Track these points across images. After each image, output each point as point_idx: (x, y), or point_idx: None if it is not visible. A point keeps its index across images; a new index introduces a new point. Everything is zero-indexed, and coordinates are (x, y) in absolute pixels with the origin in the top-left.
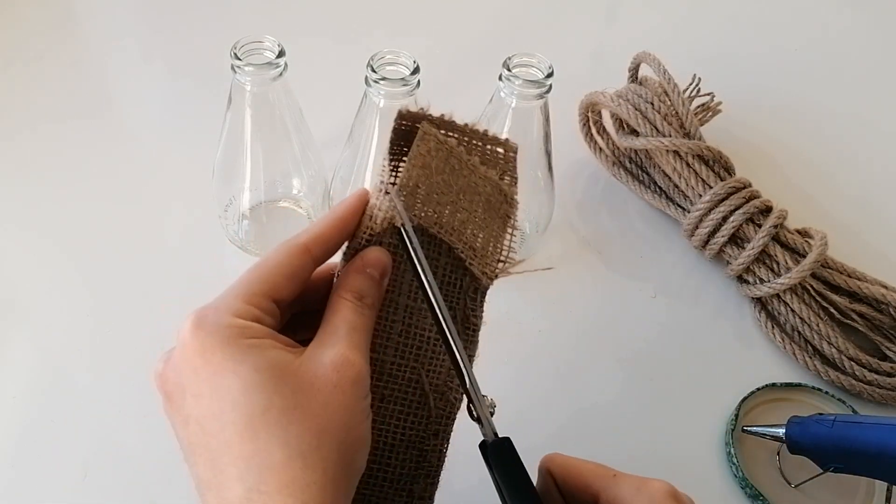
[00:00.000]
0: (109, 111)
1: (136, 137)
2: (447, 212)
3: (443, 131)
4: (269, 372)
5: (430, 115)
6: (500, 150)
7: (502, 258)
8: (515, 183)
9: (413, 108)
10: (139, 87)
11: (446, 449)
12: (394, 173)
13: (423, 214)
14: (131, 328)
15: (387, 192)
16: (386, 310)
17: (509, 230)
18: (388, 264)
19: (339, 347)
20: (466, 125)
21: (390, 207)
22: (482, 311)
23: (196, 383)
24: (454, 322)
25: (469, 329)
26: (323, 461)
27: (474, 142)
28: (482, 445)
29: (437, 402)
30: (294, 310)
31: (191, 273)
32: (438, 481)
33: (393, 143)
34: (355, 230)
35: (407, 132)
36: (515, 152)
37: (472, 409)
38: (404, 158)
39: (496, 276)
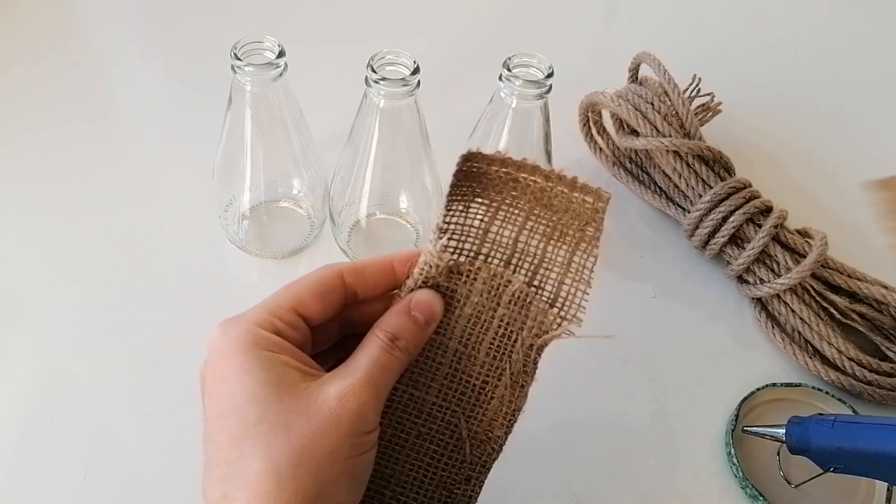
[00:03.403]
0: (109, 111)
1: (135, 137)
2: (517, 255)
3: (524, 174)
4: (272, 387)
5: (508, 157)
6: (588, 199)
7: (567, 315)
8: (599, 237)
9: (486, 151)
10: (139, 87)
11: (477, 496)
12: (463, 213)
13: (491, 252)
14: (131, 328)
15: (448, 237)
16: (434, 351)
17: (582, 286)
18: (438, 311)
19: (350, 380)
20: (553, 171)
21: (446, 251)
22: (535, 369)
23: (213, 384)
24: (505, 375)
25: (518, 385)
26: (296, 482)
27: (559, 188)
28: None
29: (474, 449)
30: (346, 331)
31: (191, 273)
32: None
33: (457, 184)
34: (410, 270)
35: (479, 174)
36: (607, 203)
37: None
38: (477, 199)
39: (558, 335)
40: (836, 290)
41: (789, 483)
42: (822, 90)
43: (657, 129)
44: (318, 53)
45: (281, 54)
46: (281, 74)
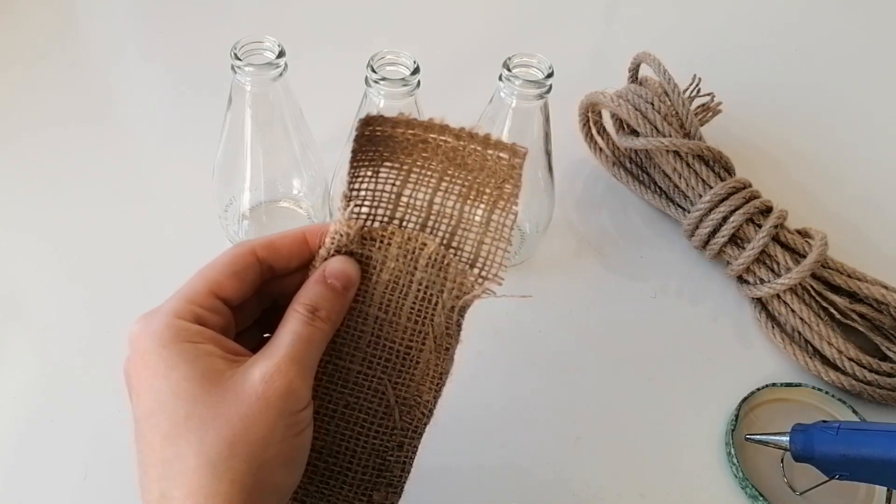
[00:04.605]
0: (109, 111)
1: (135, 137)
2: (432, 217)
3: (433, 135)
4: (197, 381)
5: (413, 118)
6: (503, 155)
7: (487, 274)
8: (517, 193)
9: (387, 114)
10: (139, 87)
11: (411, 461)
12: (372, 179)
13: (405, 216)
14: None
15: (355, 204)
16: (355, 319)
17: (502, 245)
18: (354, 276)
19: (274, 360)
20: (463, 129)
21: (356, 219)
22: (459, 330)
23: (138, 383)
24: (429, 339)
25: (443, 348)
26: (231, 472)
27: (471, 146)
28: None
29: (404, 415)
30: (267, 306)
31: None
32: (401, 492)
33: (361, 149)
34: (322, 240)
35: (384, 138)
36: (523, 158)
37: None
38: (386, 164)
39: (478, 295)
40: (836, 290)
41: (794, 490)
42: (822, 90)
43: (657, 129)
44: (319, 53)
45: (281, 54)
46: (281, 74)
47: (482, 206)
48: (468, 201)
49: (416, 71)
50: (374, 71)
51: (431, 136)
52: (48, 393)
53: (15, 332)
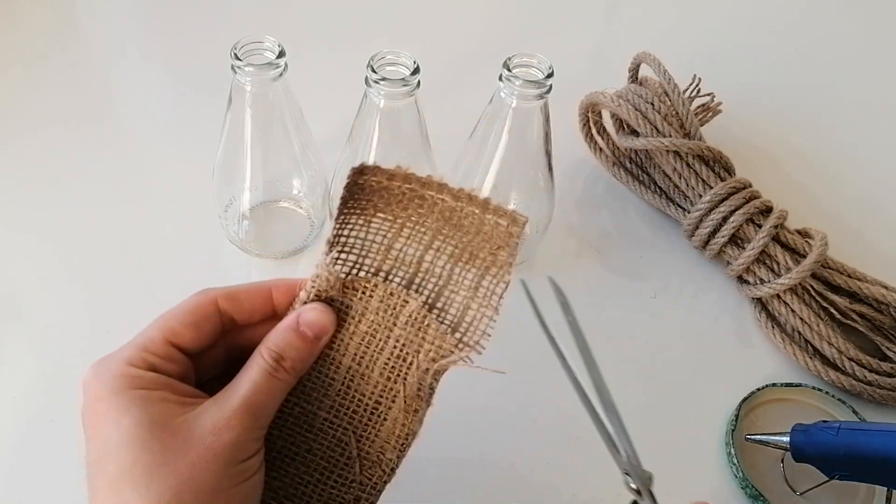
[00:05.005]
0: (109, 112)
1: (135, 137)
2: (420, 274)
3: (430, 192)
4: (146, 427)
5: (411, 172)
6: (501, 221)
7: (469, 341)
8: (511, 262)
9: (383, 166)
10: (139, 87)
11: None
12: (364, 227)
13: (393, 269)
14: (131, 329)
15: (341, 251)
16: (328, 366)
17: (489, 313)
18: (329, 326)
19: (225, 410)
20: (462, 190)
21: (339, 265)
22: (432, 394)
23: (88, 428)
24: (399, 398)
25: (412, 410)
26: None
27: (469, 208)
28: None
29: (364, 470)
30: (235, 356)
31: (191, 273)
32: None
33: (353, 198)
34: (303, 284)
35: (378, 189)
36: (522, 227)
37: (630, 481)
38: (379, 215)
39: (454, 361)
40: (837, 290)
41: (794, 491)
42: (822, 90)
43: (657, 129)
44: (319, 53)
45: (281, 54)
46: (281, 74)
47: (473, 269)
48: (459, 263)
49: (416, 71)
50: (374, 71)
51: (429, 192)
52: (48, 393)
53: (15, 332)
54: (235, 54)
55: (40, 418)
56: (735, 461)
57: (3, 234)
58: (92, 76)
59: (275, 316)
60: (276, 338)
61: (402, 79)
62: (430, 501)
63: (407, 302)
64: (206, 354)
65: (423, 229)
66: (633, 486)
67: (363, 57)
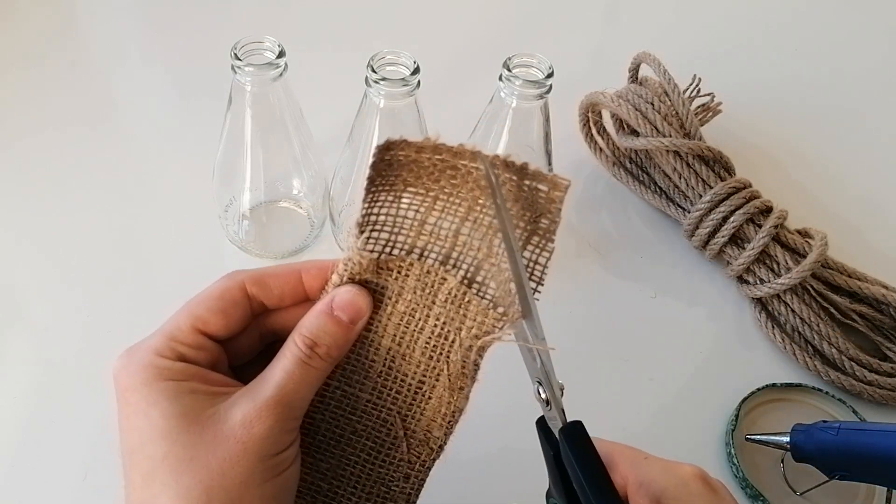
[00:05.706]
0: (109, 112)
1: (135, 138)
2: (457, 248)
3: (463, 162)
4: (176, 420)
5: (441, 143)
6: (541, 187)
7: (513, 315)
8: (555, 230)
9: (410, 138)
10: (139, 87)
11: (417, 493)
12: (394, 204)
13: (428, 245)
14: (131, 329)
15: (373, 229)
16: (367, 348)
17: (532, 284)
18: (364, 308)
19: (257, 401)
20: (497, 156)
21: (371, 246)
22: (476, 370)
23: (121, 419)
24: (443, 376)
25: (457, 387)
26: None
27: (505, 174)
28: (541, 424)
29: (412, 448)
30: (269, 340)
31: (191, 273)
32: None
33: (380, 175)
34: (335, 267)
35: (407, 163)
36: (564, 192)
37: (541, 390)
38: (410, 189)
39: (498, 338)
40: (837, 289)
41: (794, 491)
42: (822, 90)
43: (657, 129)
44: (319, 54)
45: (281, 54)
46: (281, 74)
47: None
48: (499, 234)
49: (416, 71)
50: (374, 71)
51: (461, 162)
52: (48, 393)
53: (15, 332)
54: (235, 54)
55: (40, 418)
56: (735, 461)
57: (3, 235)
58: (92, 77)
59: (308, 299)
60: (310, 323)
61: (402, 79)
62: (428, 501)
63: (445, 279)
64: (239, 339)
65: (457, 201)
66: (543, 395)
67: (363, 57)
